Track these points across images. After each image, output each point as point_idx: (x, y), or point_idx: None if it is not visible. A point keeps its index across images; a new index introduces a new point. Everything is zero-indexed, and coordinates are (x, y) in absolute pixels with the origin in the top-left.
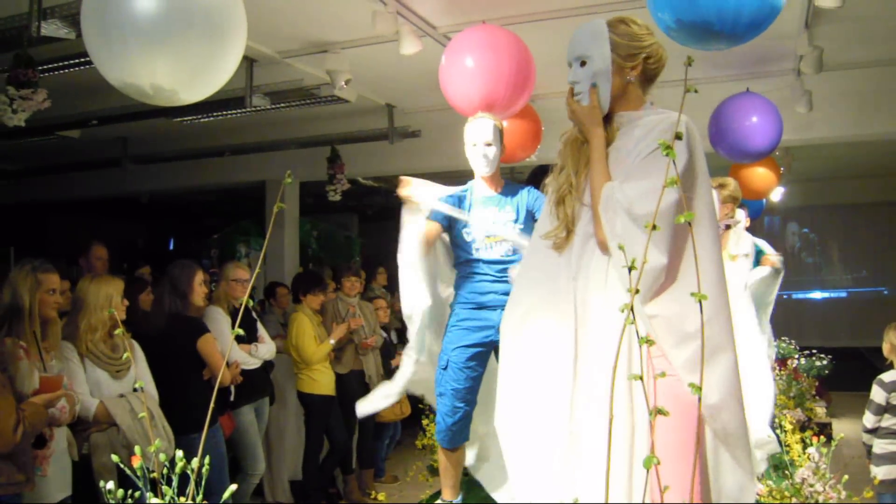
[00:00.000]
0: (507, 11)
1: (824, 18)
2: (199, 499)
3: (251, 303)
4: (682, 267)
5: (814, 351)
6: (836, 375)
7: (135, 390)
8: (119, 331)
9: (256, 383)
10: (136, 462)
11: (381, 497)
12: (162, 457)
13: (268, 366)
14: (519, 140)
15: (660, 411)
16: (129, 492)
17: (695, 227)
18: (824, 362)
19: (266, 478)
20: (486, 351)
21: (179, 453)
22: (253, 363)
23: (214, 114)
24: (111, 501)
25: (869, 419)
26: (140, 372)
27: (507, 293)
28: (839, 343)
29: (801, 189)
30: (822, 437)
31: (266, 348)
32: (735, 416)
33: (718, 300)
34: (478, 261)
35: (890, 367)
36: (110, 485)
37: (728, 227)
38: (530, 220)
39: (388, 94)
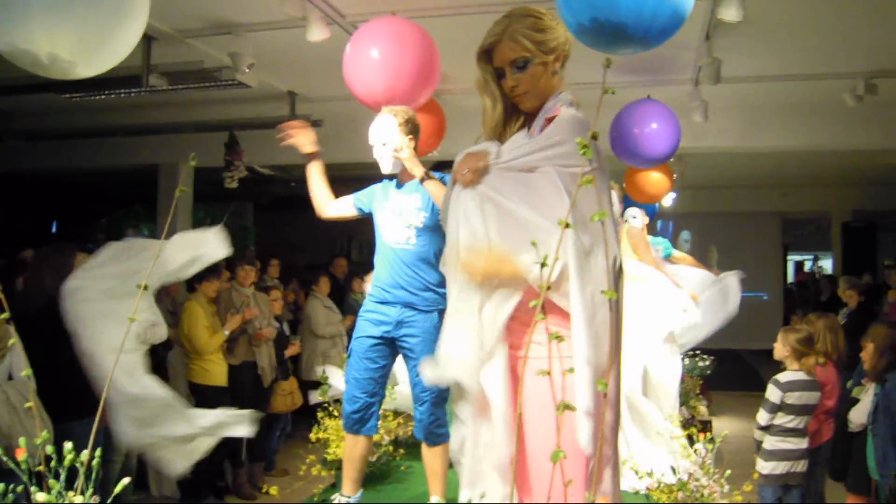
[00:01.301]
0: (417, 4)
1: (723, 31)
2: (88, 494)
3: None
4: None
5: (697, 352)
6: (715, 376)
7: (10, 378)
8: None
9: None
10: (21, 455)
11: (272, 491)
12: (49, 448)
13: (159, 350)
14: (422, 135)
15: (567, 406)
16: (11, 487)
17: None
18: (707, 363)
19: (151, 471)
20: (385, 345)
21: (69, 444)
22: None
23: (108, 91)
24: None
25: (763, 417)
26: (16, 359)
27: (407, 289)
28: (719, 345)
29: (690, 196)
30: (707, 433)
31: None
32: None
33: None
34: (385, 245)
35: (783, 368)
36: None
37: None
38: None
39: (291, 81)
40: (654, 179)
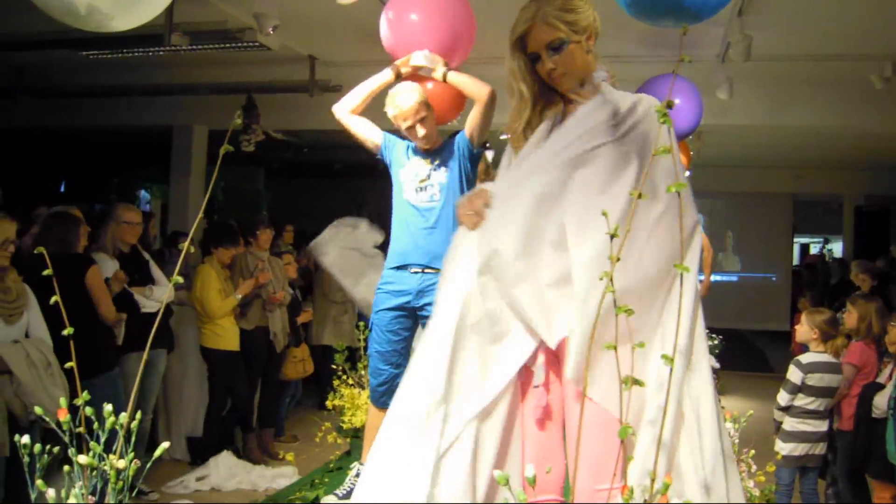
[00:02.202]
0: None
1: (756, 7)
2: (130, 456)
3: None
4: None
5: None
6: (721, 356)
7: (27, 336)
8: (13, 274)
9: (149, 331)
10: (63, 416)
11: (289, 457)
12: (88, 410)
13: (167, 312)
14: (444, 104)
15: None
16: (48, 447)
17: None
18: (716, 342)
19: (162, 433)
20: (406, 317)
21: (109, 407)
22: (149, 305)
23: (129, 50)
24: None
25: (783, 397)
26: (33, 318)
27: (428, 249)
28: (726, 324)
29: (702, 174)
30: (734, 412)
31: (161, 290)
32: None
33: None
34: (406, 205)
35: (806, 349)
36: (25, 438)
37: None
38: (463, 161)
39: (312, 45)
40: None
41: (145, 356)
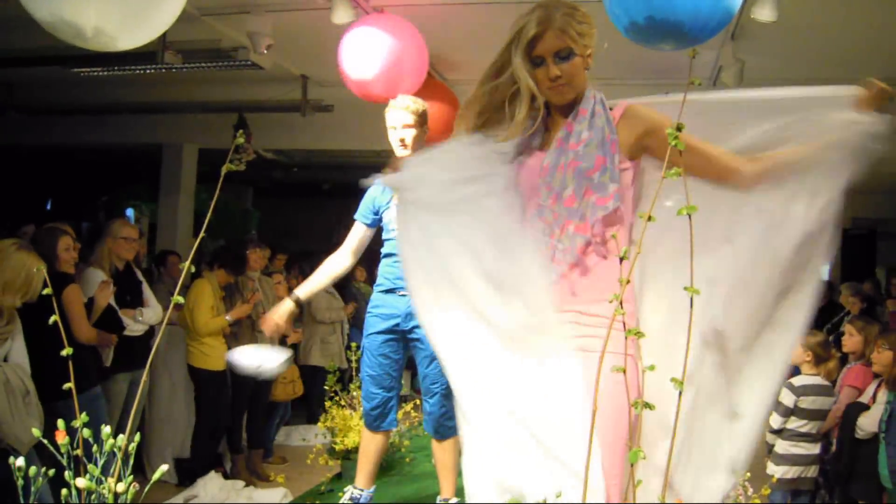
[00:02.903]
0: None
1: (749, 32)
2: (129, 479)
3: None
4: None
5: None
6: None
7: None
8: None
9: (137, 351)
10: (62, 438)
11: (279, 479)
12: (35, 432)
13: (148, 335)
14: (435, 124)
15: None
16: (43, 469)
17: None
18: None
19: (146, 454)
20: (396, 340)
21: (107, 429)
22: (137, 329)
23: (121, 67)
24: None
25: (776, 420)
26: (16, 343)
27: None
28: None
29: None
30: None
31: (151, 312)
32: None
33: None
34: (393, 241)
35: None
36: (20, 461)
37: None
38: None
39: (304, 65)
40: None
41: (145, 377)
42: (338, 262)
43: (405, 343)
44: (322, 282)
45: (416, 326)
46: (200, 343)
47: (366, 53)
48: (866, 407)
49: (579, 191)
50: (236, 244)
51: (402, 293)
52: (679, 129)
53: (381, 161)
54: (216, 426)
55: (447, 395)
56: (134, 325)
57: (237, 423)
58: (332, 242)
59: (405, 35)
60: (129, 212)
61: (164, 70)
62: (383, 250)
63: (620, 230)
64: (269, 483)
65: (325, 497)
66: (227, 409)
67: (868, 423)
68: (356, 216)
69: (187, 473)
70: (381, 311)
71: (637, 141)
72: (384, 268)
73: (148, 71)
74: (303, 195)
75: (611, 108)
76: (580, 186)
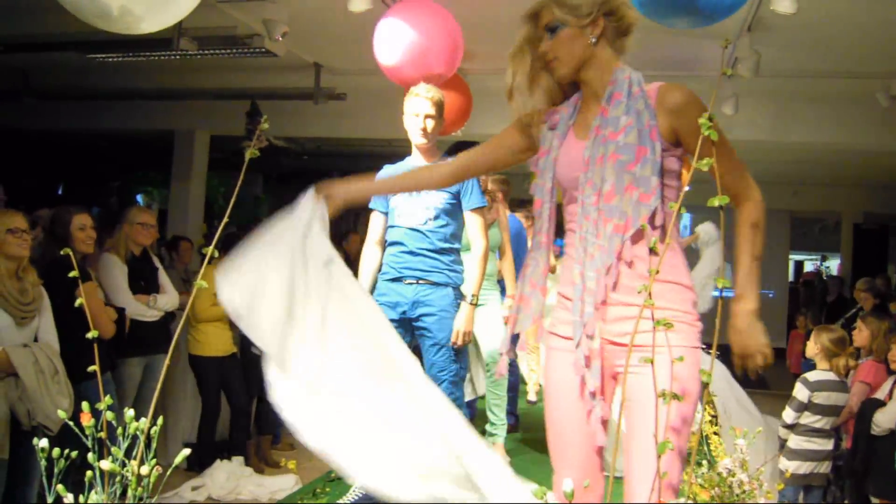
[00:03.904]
0: None
1: (765, 24)
2: (152, 462)
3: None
4: None
5: (705, 346)
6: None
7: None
8: (32, 275)
9: (150, 336)
10: (88, 420)
11: (290, 465)
12: (62, 413)
13: (168, 318)
14: (448, 114)
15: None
16: (66, 451)
17: None
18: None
19: (159, 438)
20: (403, 327)
21: (130, 412)
22: (150, 315)
23: (136, 53)
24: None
25: (789, 415)
26: (45, 322)
27: (420, 269)
28: (721, 340)
29: (698, 188)
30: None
31: (166, 299)
32: None
33: None
34: (398, 227)
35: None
36: (43, 442)
37: None
38: (455, 197)
39: (318, 53)
40: None
41: (167, 361)
42: (373, 258)
43: (412, 331)
44: (370, 282)
45: (424, 315)
46: (197, 330)
47: (403, 38)
48: (882, 403)
49: (619, 186)
50: (246, 230)
51: (408, 282)
52: (711, 118)
53: (391, 149)
54: (218, 411)
55: (455, 382)
56: (146, 311)
57: (247, 408)
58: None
59: (442, 18)
60: (139, 197)
61: (178, 57)
62: (388, 238)
63: (663, 224)
64: (278, 469)
65: (334, 484)
66: (235, 394)
67: (885, 420)
68: (371, 205)
69: (196, 459)
70: (387, 299)
71: (669, 122)
72: (389, 256)
73: (162, 57)
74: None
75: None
76: (620, 181)
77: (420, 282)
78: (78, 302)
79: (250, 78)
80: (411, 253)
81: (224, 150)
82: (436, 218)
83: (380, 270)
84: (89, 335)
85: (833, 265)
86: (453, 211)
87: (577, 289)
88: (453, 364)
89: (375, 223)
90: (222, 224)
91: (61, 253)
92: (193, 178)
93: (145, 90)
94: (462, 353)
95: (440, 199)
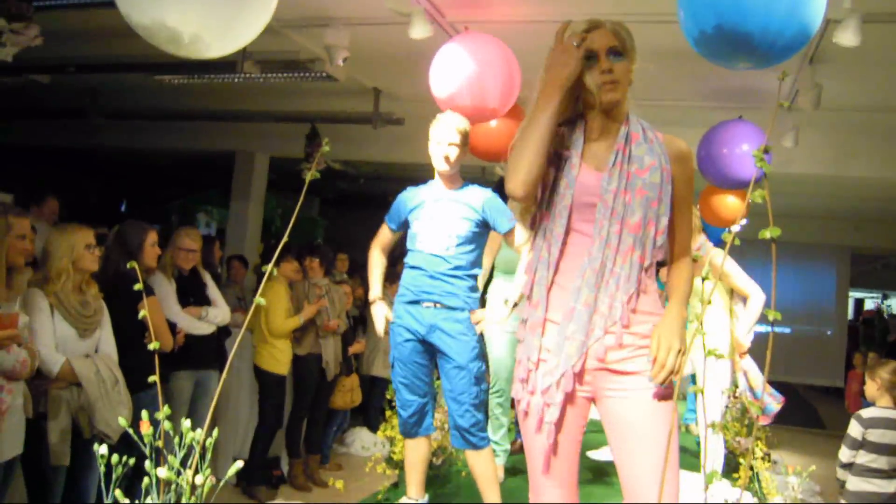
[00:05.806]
0: (506, 12)
1: (828, 56)
2: (206, 472)
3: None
4: None
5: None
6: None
7: (96, 352)
8: (94, 289)
9: (202, 351)
10: (147, 429)
11: (338, 485)
12: (122, 422)
13: (222, 335)
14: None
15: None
16: (124, 458)
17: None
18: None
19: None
20: (423, 345)
21: (187, 423)
22: (202, 328)
23: (202, 76)
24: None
25: (844, 454)
26: (105, 334)
27: (440, 293)
28: (777, 377)
29: (756, 223)
30: (797, 467)
31: (216, 312)
32: None
33: None
34: (419, 252)
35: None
36: (103, 449)
37: None
38: (483, 225)
39: (378, 78)
40: (729, 203)
41: (224, 375)
42: (381, 263)
43: (432, 351)
44: (381, 282)
45: (441, 338)
46: (270, 346)
47: (459, 70)
48: None
49: (644, 220)
50: (318, 247)
51: (426, 304)
52: (766, 150)
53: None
54: (276, 429)
55: (477, 405)
56: (199, 324)
57: (297, 428)
58: (394, 255)
59: (502, 53)
60: (198, 216)
61: (241, 80)
62: (407, 261)
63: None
64: (323, 488)
65: None
66: (282, 412)
67: None
68: (386, 217)
69: (244, 474)
70: (405, 321)
71: (672, 169)
72: (408, 279)
73: (226, 80)
74: (368, 207)
75: None
76: (646, 216)
77: (437, 305)
78: (141, 314)
79: (310, 102)
80: (431, 277)
81: (282, 172)
82: (458, 245)
83: (384, 273)
84: (151, 346)
85: (895, 304)
86: (476, 238)
87: (582, 312)
88: (474, 387)
89: (383, 234)
90: (281, 243)
91: (128, 266)
92: (252, 199)
93: (208, 112)
94: (482, 377)
95: (465, 227)
